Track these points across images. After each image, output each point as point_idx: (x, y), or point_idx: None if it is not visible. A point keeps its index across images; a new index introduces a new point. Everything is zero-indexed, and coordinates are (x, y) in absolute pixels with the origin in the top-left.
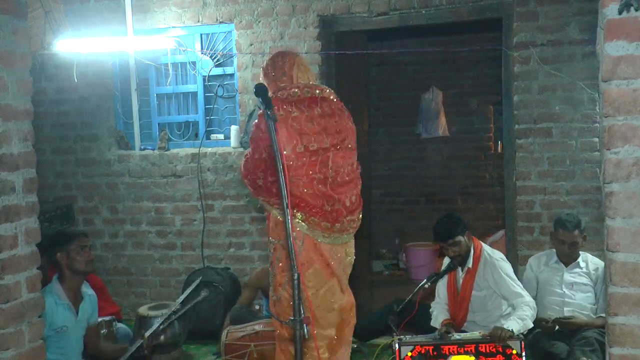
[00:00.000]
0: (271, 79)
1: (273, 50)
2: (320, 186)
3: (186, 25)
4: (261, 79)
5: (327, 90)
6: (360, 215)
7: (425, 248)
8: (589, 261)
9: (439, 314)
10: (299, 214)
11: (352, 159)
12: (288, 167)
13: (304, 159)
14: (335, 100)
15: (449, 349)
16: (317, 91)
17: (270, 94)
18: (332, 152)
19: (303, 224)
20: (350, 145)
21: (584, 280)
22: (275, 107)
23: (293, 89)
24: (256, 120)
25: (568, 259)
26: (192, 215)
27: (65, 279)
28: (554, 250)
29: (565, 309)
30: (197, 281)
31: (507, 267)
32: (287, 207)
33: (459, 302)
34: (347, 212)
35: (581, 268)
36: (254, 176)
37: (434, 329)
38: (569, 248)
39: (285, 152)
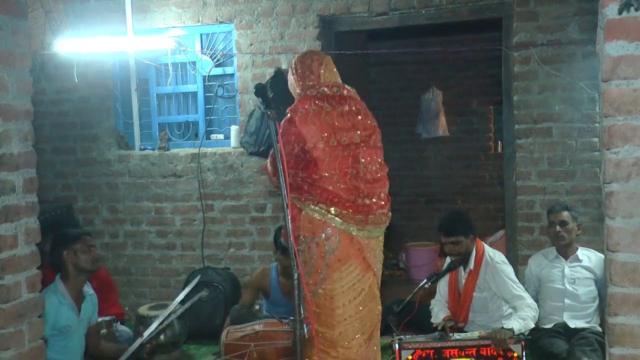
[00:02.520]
0: (299, 77)
1: (273, 50)
2: (353, 181)
3: (186, 25)
4: (289, 78)
5: (353, 90)
6: (390, 213)
7: (425, 248)
8: (589, 255)
9: (439, 310)
10: (332, 209)
11: (379, 157)
12: (320, 162)
13: (337, 153)
14: (359, 99)
15: (450, 352)
16: (345, 91)
17: (298, 91)
18: (362, 149)
19: (337, 218)
20: (377, 144)
21: (586, 274)
22: (307, 103)
23: (322, 87)
24: (288, 116)
25: (565, 248)
26: (192, 215)
27: (68, 278)
28: (554, 247)
29: (566, 302)
30: (196, 280)
31: (509, 269)
32: (287, 207)
33: (461, 303)
34: (378, 207)
35: (581, 261)
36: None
37: (434, 329)
38: (560, 227)
39: (319, 146)
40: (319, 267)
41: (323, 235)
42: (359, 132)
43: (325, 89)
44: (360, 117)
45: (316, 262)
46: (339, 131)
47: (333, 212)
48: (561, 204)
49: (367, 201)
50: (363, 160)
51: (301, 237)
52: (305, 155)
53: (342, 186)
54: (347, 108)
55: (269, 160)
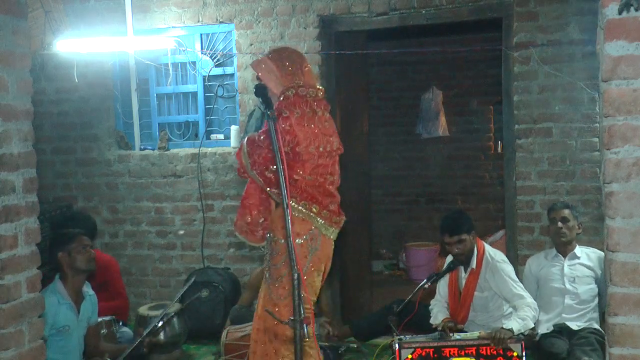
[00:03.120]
0: (288, 73)
1: None
2: (329, 187)
3: (186, 25)
4: (272, 69)
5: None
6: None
7: (425, 248)
8: (588, 253)
9: (438, 312)
10: (313, 207)
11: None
12: (308, 165)
13: (322, 160)
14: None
15: (450, 351)
16: (325, 95)
17: (282, 86)
18: (338, 156)
19: (318, 218)
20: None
21: (586, 272)
22: (302, 103)
23: (310, 89)
24: (284, 114)
25: (565, 245)
26: (192, 215)
27: (67, 279)
28: (554, 248)
29: (566, 302)
30: (193, 279)
31: (509, 269)
32: (287, 207)
33: (462, 302)
34: (339, 212)
35: (579, 258)
36: (263, 167)
37: (433, 330)
38: (562, 223)
39: (310, 150)
40: (303, 270)
41: (306, 236)
42: (337, 139)
43: (312, 91)
44: (333, 124)
45: (300, 264)
46: (324, 137)
47: (314, 211)
48: (562, 202)
49: (333, 207)
50: (336, 167)
51: (275, 237)
52: (295, 156)
53: (319, 190)
54: (327, 115)
55: (245, 150)
